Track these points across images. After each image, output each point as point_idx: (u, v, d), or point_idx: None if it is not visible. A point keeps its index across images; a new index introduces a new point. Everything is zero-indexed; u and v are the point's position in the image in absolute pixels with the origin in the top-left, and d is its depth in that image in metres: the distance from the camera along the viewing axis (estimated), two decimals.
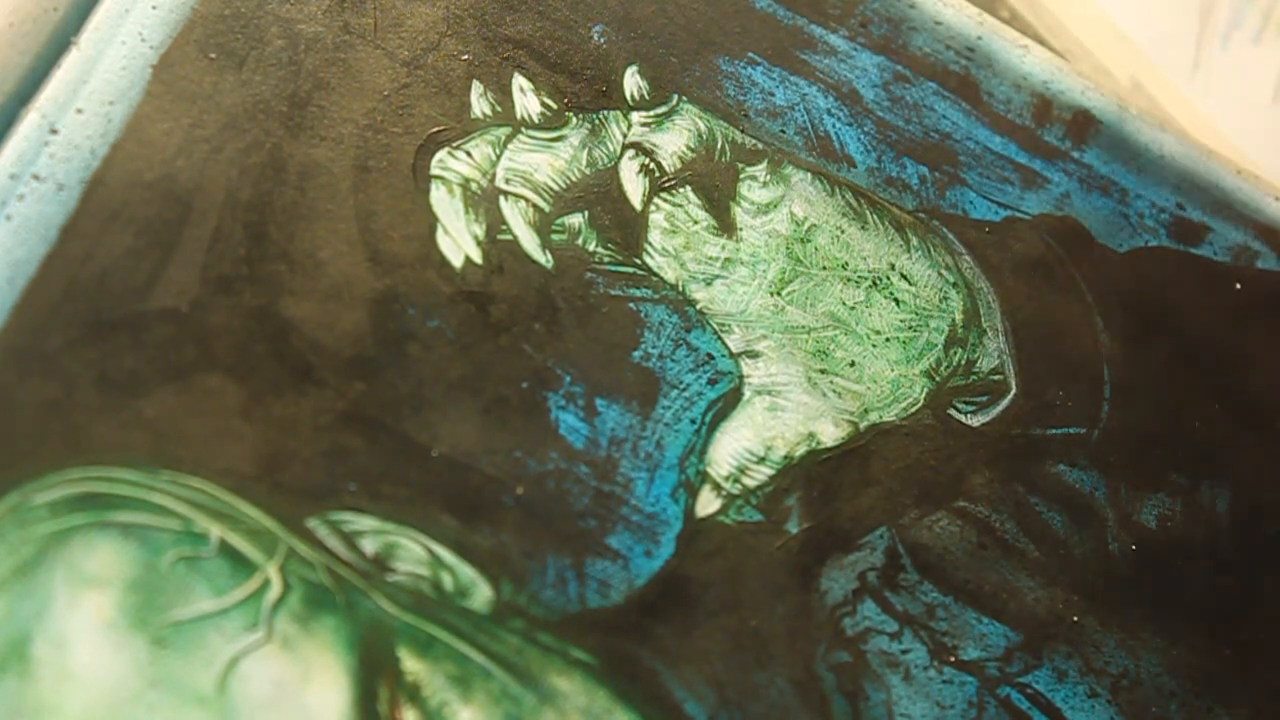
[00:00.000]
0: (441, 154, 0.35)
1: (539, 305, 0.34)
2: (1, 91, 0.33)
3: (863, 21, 0.42)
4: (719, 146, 0.38)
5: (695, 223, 0.36)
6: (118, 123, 0.33)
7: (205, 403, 0.30)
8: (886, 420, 0.35)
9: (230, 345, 0.31)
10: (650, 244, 0.36)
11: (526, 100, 0.37)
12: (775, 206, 0.37)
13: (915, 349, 0.37)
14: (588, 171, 0.36)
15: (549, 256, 0.35)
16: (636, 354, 0.34)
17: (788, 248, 0.37)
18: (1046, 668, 0.33)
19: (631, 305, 0.34)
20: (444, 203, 0.34)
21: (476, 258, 0.34)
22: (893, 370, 0.36)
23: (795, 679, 0.31)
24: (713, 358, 0.34)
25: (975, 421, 0.36)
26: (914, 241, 0.38)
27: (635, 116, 0.37)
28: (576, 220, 0.35)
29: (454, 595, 0.30)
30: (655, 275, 0.35)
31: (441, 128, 0.35)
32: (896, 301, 0.37)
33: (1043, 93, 0.39)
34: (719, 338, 0.35)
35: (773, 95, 0.39)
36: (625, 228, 0.36)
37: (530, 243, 0.35)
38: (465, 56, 0.37)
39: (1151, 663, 0.33)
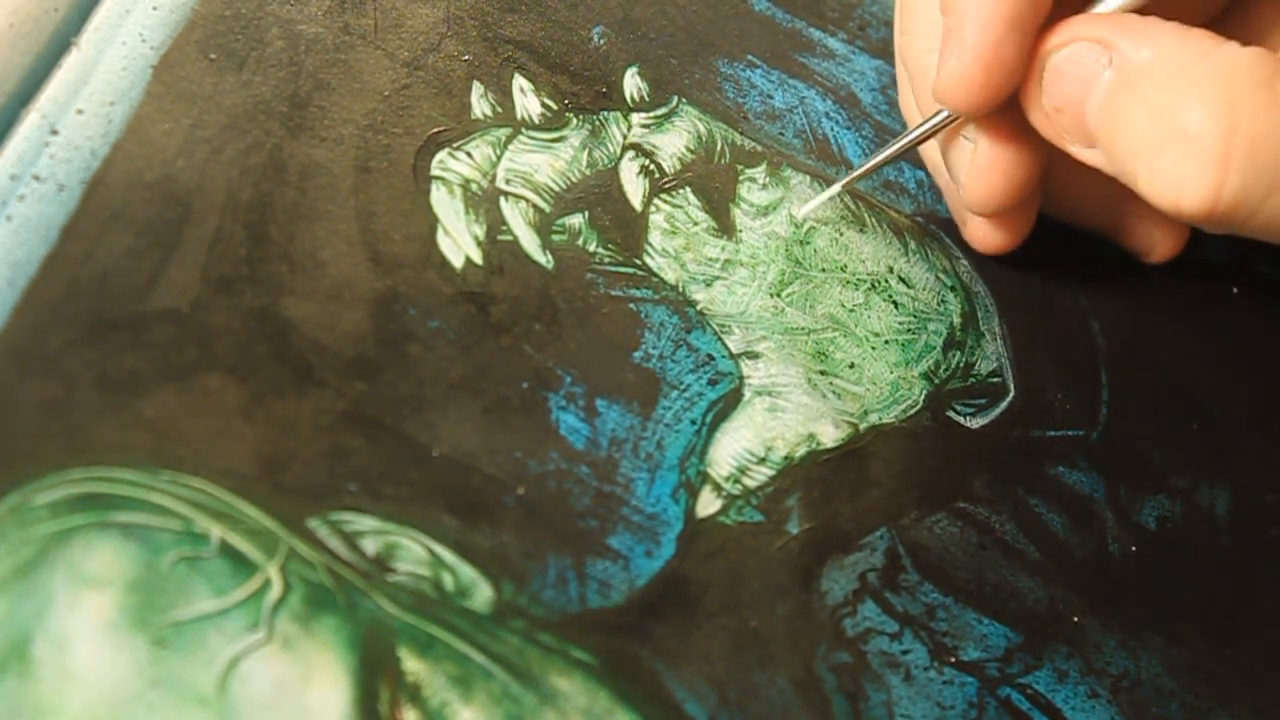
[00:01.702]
0: (442, 154, 0.35)
1: (539, 306, 0.34)
2: (1, 92, 0.33)
3: (861, 25, 0.42)
4: (718, 148, 0.38)
5: (695, 224, 0.36)
6: (118, 123, 0.33)
7: (205, 403, 0.30)
8: (886, 422, 0.35)
9: (230, 345, 0.31)
10: (650, 245, 0.36)
11: (527, 101, 0.37)
12: (774, 209, 0.37)
13: (914, 351, 0.37)
14: (588, 172, 0.36)
15: (549, 257, 0.35)
16: (637, 355, 0.34)
17: (787, 250, 0.37)
18: (1047, 668, 0.33)
19: (632, 306, 0.34)
20: (444, 203, 0.34)
21: (477, 258, 0.34)
22: (892, 372, 0.36)
23: (796, 679, 0.31)
24: (713, 358, 0.35)
25: (974, 424, 0.36)
26: (912, 245, 0.38)
27: (635, 118, 0.37)
28: (577, 221, 0.35)
29: (454, 595, 0.30)
30: (655, 276, 0.35)
31: (442, 128, 0.35)
32: (895, 304, 0.37)
33: None
34: (719, 339, 0.35)
35: (771, 98, 0.39)
36: (625, 228, 0.36)
37: (531, 243, 0.35)
38: (466, 57, 0.37)
39: (1152, 663, 0.33)
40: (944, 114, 0.35)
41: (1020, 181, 0.35)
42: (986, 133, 0.34)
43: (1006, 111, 0.34)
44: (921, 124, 0.35)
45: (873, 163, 0.37)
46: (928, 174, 0.40)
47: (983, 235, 0.38)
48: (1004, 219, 0.37)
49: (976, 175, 0.35)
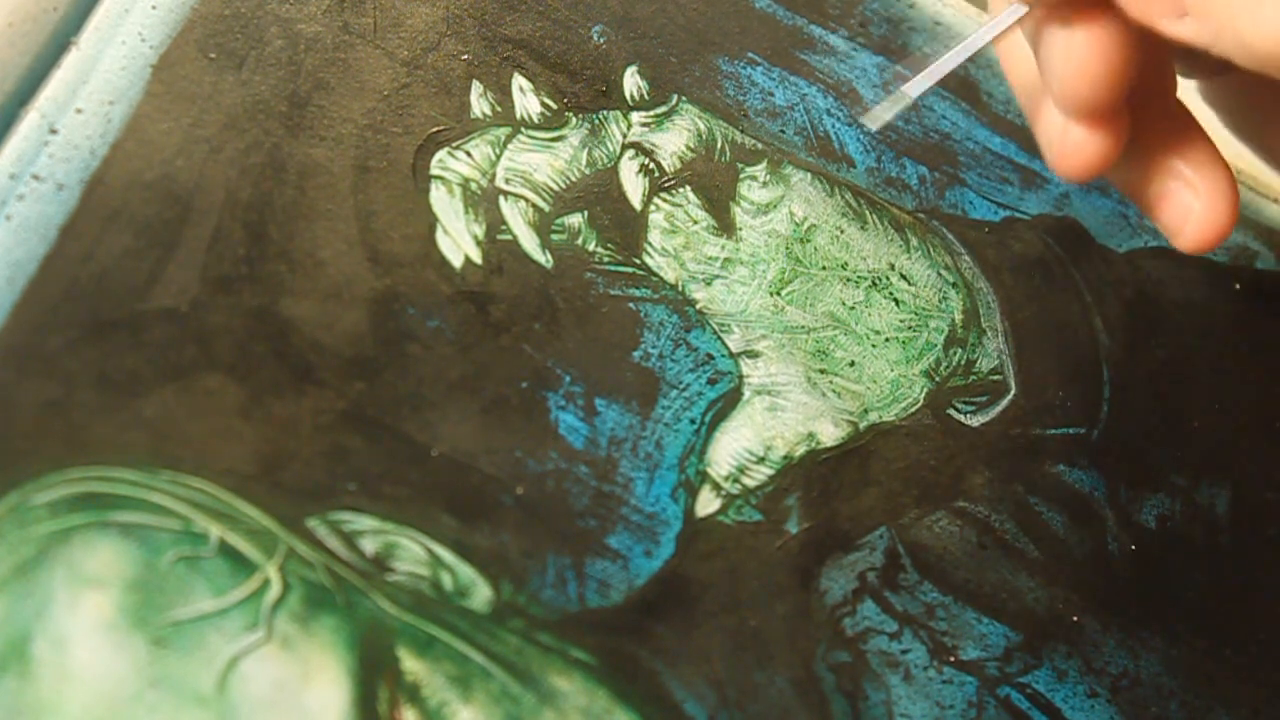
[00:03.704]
0: (441, 154, 0.35)
1: (539, 305, 0.34)
2: (1, 91, 0.33)
3: (862, 22, 0.42)
4: (719, 146, 0.38)
5: (695, 222, 0.36)
6: (118, 123, 0.33)
7: (205, 403, 0.30)
8: (886, 420, 0.35)
9: (230, 345, 0.31)
10: (650, 244, 0.36)
11: (526, 100, 0.37)
12: (775, 206, 0.37)
13: (915, 349, 0.37)
14: (587, 171, 0.36)
15: (549, 256, 0.35)
16: (636, 354, 0.34)
17: (787, 248, 0.37)
18: (1046, 668, 0.33)
19: (631, 305, 0.34)
20: (444, 203, 0.34)
21: (476, 258, 0.34)
22: (892, 370, 0.36)
23: (795, 679, 0.31)
24: (712, 357, 0.35)
25: (975, 421, 0.36)
26: (913, 242, 0.38)
27: (635, 116, 0.37)
28: (576, 220, 0.35)
29: (454, 595, 0.30)
30: (655, 275, 0.35)
31: (441, 128, 0.35)
32: (896, 301, 0.37)
33: None
34: (719, 338, 0.35)
35: (772, 95, 0.39)
36: (625, 228, 0.36)
37: (530, 243, 0.35)
38: (465, 56, 0.37)
39: (1151, 663, 0.33)
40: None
41: (1120, 66, 0.33)
42: (1080, 17, 0.33)
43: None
44: (1002, 15, 0.34)
45: (953, 55, 0.34)
46: (929, 169, 0.40)
47: (1078, 142, 0.35)
48: (1102, 122, 0.35)
49: (1075, 62, 0.33)
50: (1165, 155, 0.36)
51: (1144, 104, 0.36)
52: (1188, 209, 0.37)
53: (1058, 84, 0.34)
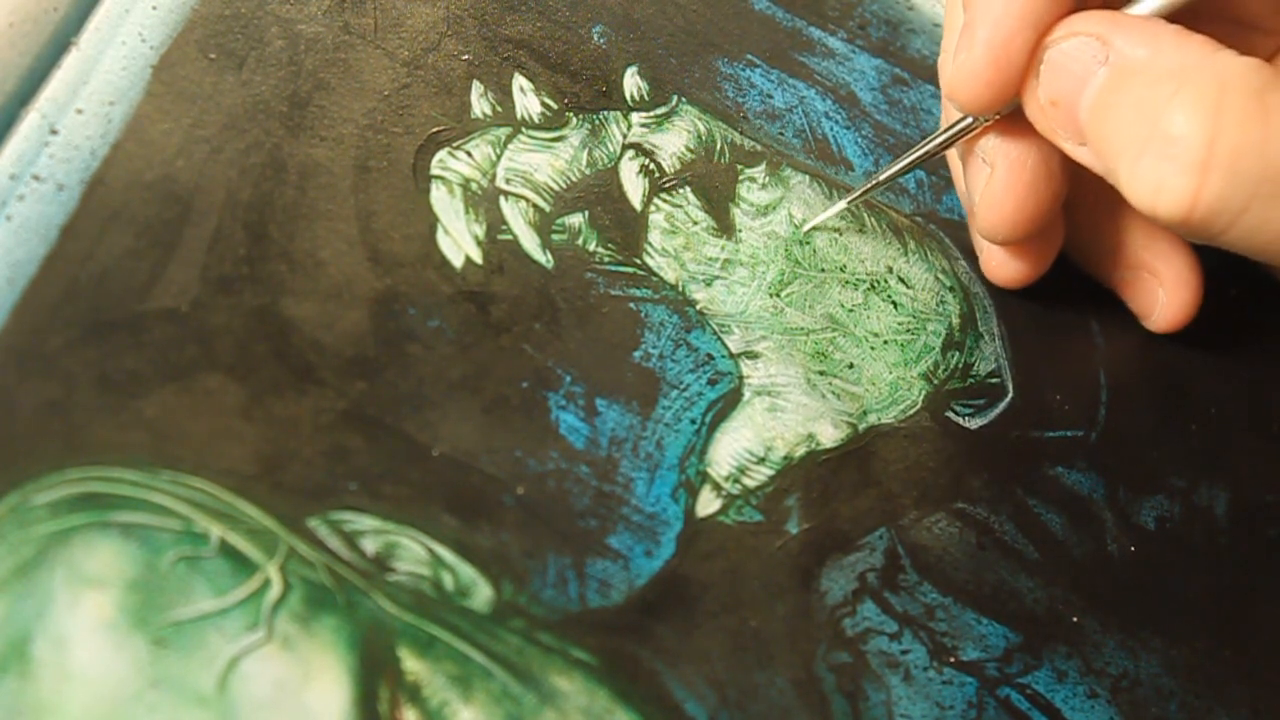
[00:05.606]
0: (442, 154, 0.35)
1: (539, 305, 0.34)
2: (1, 91, 0.33)
3: (861, 24, 0.42)
4: (718, 148, 0.38)
5: (695, 223, 0.36)
6: (118, 123, 0.33)
7: (205, 403, 0.30)
8: (885, 422, 0.35)
9: (230, 345, 0.31)
10: (650, 244, 0.36)
11: (527, 100, 0.37)
12: (774, 208, 0.37)
13: (913, 352, 0.37)
14: (588, 172, 0.36)
15: (549, 256, 0.35)
16: (637, 354, 0.34)
17: (786, 249, 0.37)
18: (1046, 668, 0.33)
19: (632, 305, 0.35)
20: (444, 203, 0.34)
21: (477, 258, 0.34)
22: (891, 372, 0.36)
23: (795, 679, 0.31)
24: (713, 358, 0.35)
25: (973, 424, 0.36)
26: (911, 245, 0.38)
27: (635, 117, 0.37)
28: (577, 220, 0.35)
29: (454, 595, 0.30)
30: (655, 275, 0.35)
31: (442, 128, 0.35)
32: (894, 304, 0.37)
33: None
34: (719, 338, 0.35)
35: (771, 97, 0.39)
36: (625, 228, 0.36)
37: (530, 243, 0.35)
38: (465, 56, 0.37)
39: (1151, 663, 0.33)
40: (961, 125, 0.34)
41: (1033, 210, 0.34)
42: (1004, 156, 0.34)
43: (1025, 136, 0.34)
44: (936, 133, 0.35)
45: (886, 175, 0.37)
46: (928, 174, 0.40)
47: (995, 264, 0.37)
48: (1019, 250, 0.37)
49: (990, 200, 0.34)
50: (1129, 245, 0.37)
51: (1105, 193, 0.36)
52: (1153, 297, 0.37)
53: (975, 218, 0.35)
